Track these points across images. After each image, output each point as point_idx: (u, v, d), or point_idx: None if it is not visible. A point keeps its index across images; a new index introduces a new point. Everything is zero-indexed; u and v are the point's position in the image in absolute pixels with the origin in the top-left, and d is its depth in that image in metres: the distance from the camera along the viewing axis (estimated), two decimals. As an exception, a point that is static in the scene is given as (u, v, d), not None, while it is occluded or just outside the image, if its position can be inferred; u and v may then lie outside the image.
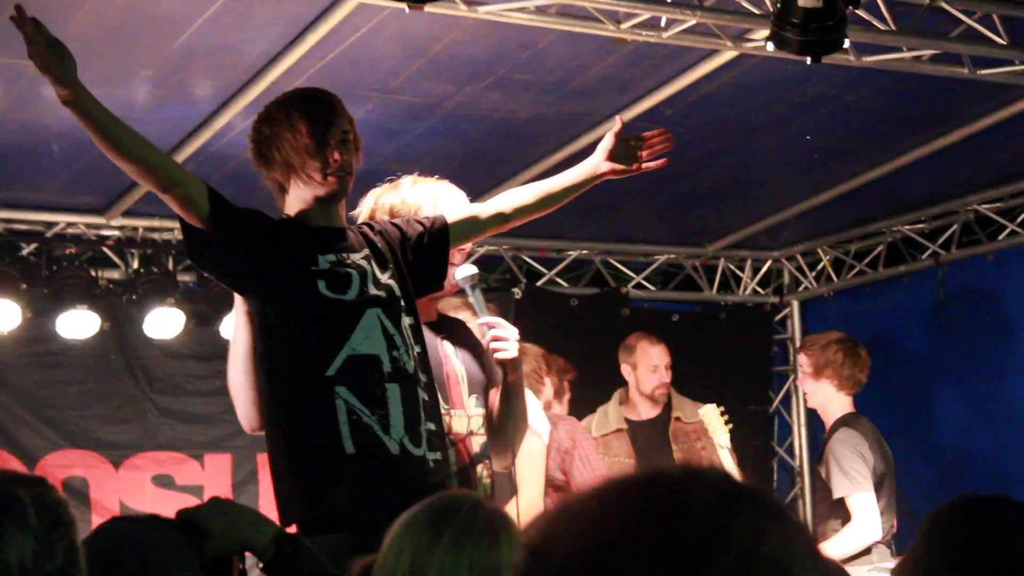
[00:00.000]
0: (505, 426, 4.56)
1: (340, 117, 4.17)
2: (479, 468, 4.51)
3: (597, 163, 4.45)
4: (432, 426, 4.15)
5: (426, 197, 4.54)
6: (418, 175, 4.64)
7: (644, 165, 4.47)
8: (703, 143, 7.53)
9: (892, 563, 6.31)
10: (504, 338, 4.46)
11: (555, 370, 6.84)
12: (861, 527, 6.66)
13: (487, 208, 4.44)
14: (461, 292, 4.55)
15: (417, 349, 4.19)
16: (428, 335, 4.51)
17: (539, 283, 9.15)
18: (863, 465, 6.74)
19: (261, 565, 2.98)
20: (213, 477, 8.24)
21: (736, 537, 1.17)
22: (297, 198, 4.19)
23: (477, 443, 4.52)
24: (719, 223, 9.20)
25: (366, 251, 4.22)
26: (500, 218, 4.44)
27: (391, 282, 4.21)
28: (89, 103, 3.86)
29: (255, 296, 4.14)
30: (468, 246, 4.63)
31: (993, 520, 2.25)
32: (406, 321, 4.19)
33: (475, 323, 4.62)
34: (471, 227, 4.42)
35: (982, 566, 2.18)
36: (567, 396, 7.20)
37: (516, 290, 8.75)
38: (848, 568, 6.05)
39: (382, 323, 4.13)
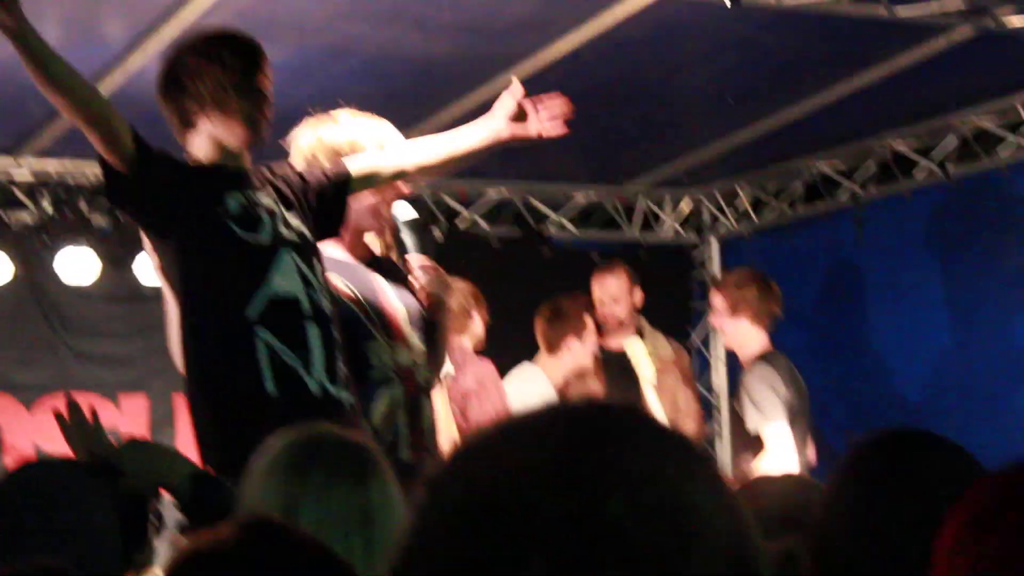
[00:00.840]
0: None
1: (269, 68, 4.19)
2: (423, 400, 4.55)
3: (498, 127, 4.42)
4: (344, 368, 4.17)
5: (370, 138, 4.58)
6: (353, 109, 4.68)
7: (544, 134, 4.42)
8: (623, 82, 7.50)
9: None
10: (426, 275, 4.67)
11: (485, 307, 6.87)
12: (775, 456, 6.69)
13: (389, 163, 4.48)
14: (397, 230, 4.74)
15: (327, 291, 4.22)
16: (364, 272, 4.57)
17: (458, 223, 9.10)
18: (775, 397, 6.78)
19: (178, 504, 2.93)
20: (129, 418, 8.15)
21: (635, 467, 1.15)
22: (208, 136, 4.17)
23: (421, 376, 4.59)
24: (638, 162, 9.18)
25: (272, 194, 4.22)
26: (401, 174, 4.50)
27: (300, 225, 4.23)
28: (30, 34, 3.81)
29: (173, 239, 4.11)
30: (406, 190, 4.69)
31: (910, 455, 2.25)
32: (317, 264, 4.23)
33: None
34: (372, 181, 4.46)
35: (894, 501, 2.18)
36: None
37: (438, 233, 8.70)
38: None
39: (297, 264, 4.15)
